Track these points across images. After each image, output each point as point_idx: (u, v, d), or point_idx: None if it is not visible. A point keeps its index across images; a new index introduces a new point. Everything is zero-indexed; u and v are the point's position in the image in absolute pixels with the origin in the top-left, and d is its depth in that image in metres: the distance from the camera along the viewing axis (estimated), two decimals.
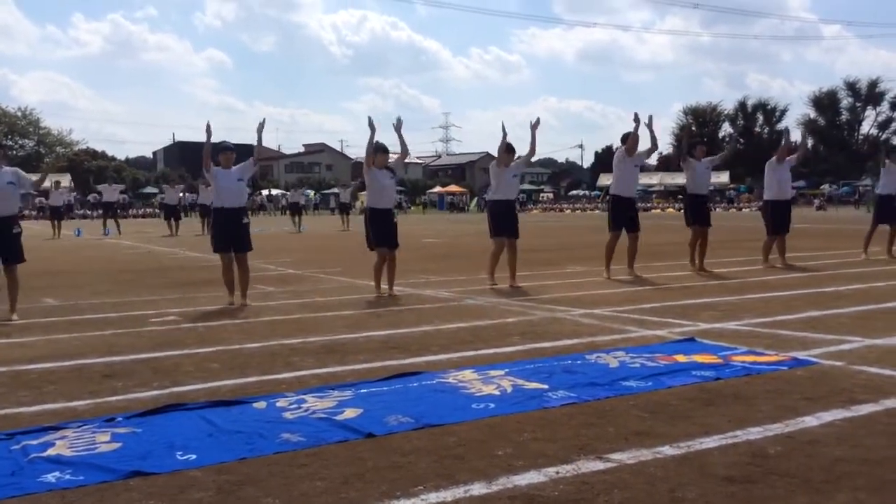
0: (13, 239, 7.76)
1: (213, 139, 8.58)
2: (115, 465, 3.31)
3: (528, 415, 4.01)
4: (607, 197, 10.72)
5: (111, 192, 27.69)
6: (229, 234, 8.50)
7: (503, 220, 9.74)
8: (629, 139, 10.22)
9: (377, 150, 9.10)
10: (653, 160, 11.28)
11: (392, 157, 9.36)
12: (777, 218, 11.53)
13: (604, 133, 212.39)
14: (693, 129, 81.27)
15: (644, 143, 10.34)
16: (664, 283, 9.82)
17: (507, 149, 9.80)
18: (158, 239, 23.92)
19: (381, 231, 8.98)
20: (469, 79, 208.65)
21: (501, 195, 9.80)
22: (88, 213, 50.90)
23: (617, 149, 10.61)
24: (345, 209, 30.31)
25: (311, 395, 4.44)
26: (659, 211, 60.16)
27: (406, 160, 10.10)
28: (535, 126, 10.02)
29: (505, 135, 9.83)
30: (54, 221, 25.85)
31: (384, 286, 9.03)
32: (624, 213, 10.46)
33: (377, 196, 9.04)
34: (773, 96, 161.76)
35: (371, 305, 8.25)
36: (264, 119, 8.89)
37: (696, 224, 10.99)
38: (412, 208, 68.20)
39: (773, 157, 11.59)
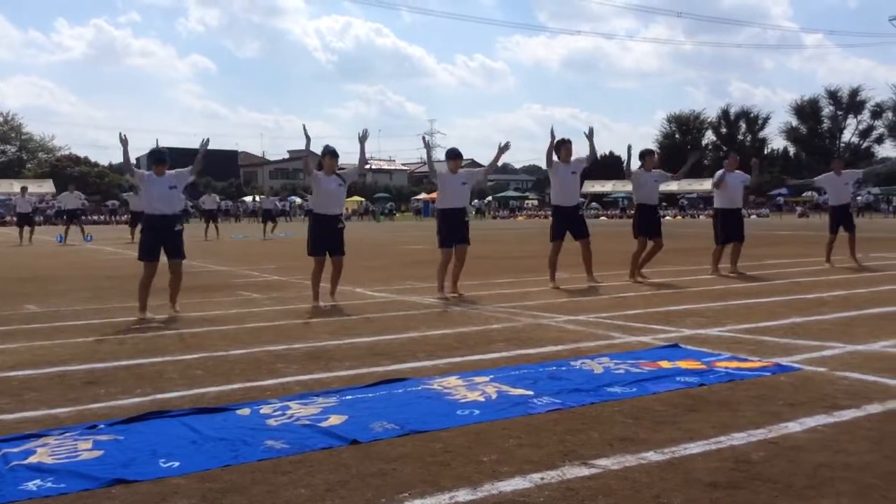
0: None
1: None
2: (98, 473, 3.28)
3: (514, 421, 4.01)
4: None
5: (73, 200, 27.20)
6: (160, 241, 8.11)
7: (452, 230, 9.45)
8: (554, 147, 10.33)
9: (326, 154, 8.88)
10: (636, 167, 11.32)
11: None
12: (727, 226, 11.59)
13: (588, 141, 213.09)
14: (677, 136, 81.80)
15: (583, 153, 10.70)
16: (647, 289, 9.85)
17: (453, 155, 9.60)
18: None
19: (322, 238, 8.80)
20: (454, 86, 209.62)
21: (448, 204, 9.48)
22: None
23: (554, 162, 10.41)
24: None
25: (296, 402, 4.43)
26: None
27: (364, 168, 9.92)
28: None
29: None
30: (23, 227, 25.26)
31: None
32: (566, 223, 10.43)
33: (321, 201, 8.80)
34: (755, 104, 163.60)
35: (356, 312, 8.23)
36: (208, 139, 8.66)
37: (642, 235, 10.96)
38: (398, 214, 68.21)
39: (723, 169, 11.73)
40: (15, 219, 25.27)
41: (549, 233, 10.52)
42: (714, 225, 11.96)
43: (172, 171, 8.34)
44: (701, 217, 56.98)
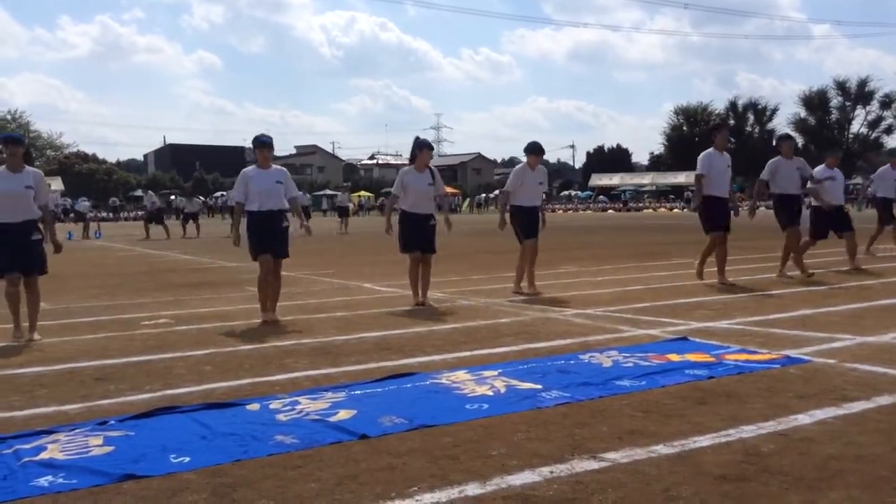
0: (34, 246, 6.80)
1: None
2: (108, 469, 3.30)
3: (522, 415, 4.01)
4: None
5: (192, 204, 28.73)
6: (267, 238, 7.51)
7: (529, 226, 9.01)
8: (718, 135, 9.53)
9: (422, 146, 8.46)
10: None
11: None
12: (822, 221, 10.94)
13: (595, 133, 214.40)
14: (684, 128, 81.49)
15: None
16: (656, 282, 9.83)
17: (534, 149, 9.02)
18: (149, 242, 23.87)
19: (414, 236, 8.33)
20: (460, 79, 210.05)
21: (526, 202, 8.99)
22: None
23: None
24: (343, 213, 30.50)
25: (305, 397, 4.44)
26: (651, 211, 60.28)
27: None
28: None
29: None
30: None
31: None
32: (719, 213, 9.43)
33: (412, 200, 8.34)
34: (763, 95, 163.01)
35: (364, 307, 8.23)
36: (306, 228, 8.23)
37: (790, 225, 10.06)
38: None
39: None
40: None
41: (703, 225, 9.49)
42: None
43: (279, 169, 7.76)
44: None
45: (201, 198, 33.37)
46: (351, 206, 37.38)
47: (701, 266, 9.72)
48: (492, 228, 11.40)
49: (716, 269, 9.37)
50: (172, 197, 43.13)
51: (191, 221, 27.91)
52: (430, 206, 8.44)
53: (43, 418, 4.18)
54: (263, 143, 7.59)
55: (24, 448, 3.60)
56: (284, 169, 7.86)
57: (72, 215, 31.37)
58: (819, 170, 11.16)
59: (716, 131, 9.73)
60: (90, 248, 21.55)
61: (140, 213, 44.55)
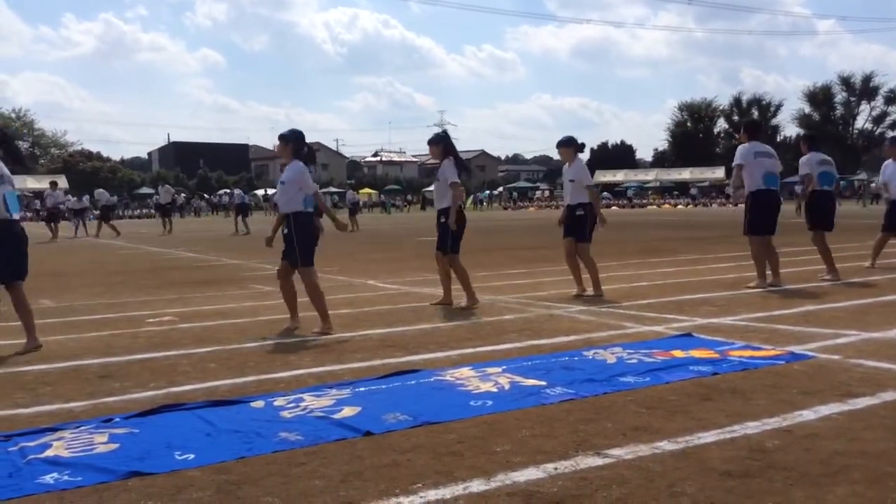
0: None
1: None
2: (114, 466, 3.30)
3: (526, 411, 4.01)
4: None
5: (165, 195, 29.22)
6: (284, 241, 6.75)
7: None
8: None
9: (428, 143, 8.08)
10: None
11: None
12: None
13: (599, 130, 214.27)
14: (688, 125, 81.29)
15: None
16: (661, 278, 9.82)
17: (565, 143, 8.56)
18: (152, 239, 23.89)
19: (440, 233, 7.90)
20: (464, 76, 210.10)
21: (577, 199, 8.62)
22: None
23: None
24: (353, 211, 30.44)
25: (309, 394, 4.44)
26: (655, 207, 60.20)
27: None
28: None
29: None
30: (51, 224, 25.52)
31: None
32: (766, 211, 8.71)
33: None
34: (768, 91, 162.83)
35: (368, 304, 8.24)
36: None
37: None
38: (407, 207, 68.23)
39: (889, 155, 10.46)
40: (44, 213, 25.44)
41: (744, 225, 8.75)
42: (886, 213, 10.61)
43: (292, 166, 6.76)
44: (713, 206, 56.68)
45: (172, 188, 33.46)
46: (359, 202, 37.39)
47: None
48: (495, 225, 11.37)
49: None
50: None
51: (167, 216, 28.13)
52: (442, 201, 7.84)
53: (48, 416, 4.19)
54: (279, 136, 6.86)
55: (29, 446, 3.61)
56: (297, 165, 6.76)
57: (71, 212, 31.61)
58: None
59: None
60: (92, 246, 21.58)
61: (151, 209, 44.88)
